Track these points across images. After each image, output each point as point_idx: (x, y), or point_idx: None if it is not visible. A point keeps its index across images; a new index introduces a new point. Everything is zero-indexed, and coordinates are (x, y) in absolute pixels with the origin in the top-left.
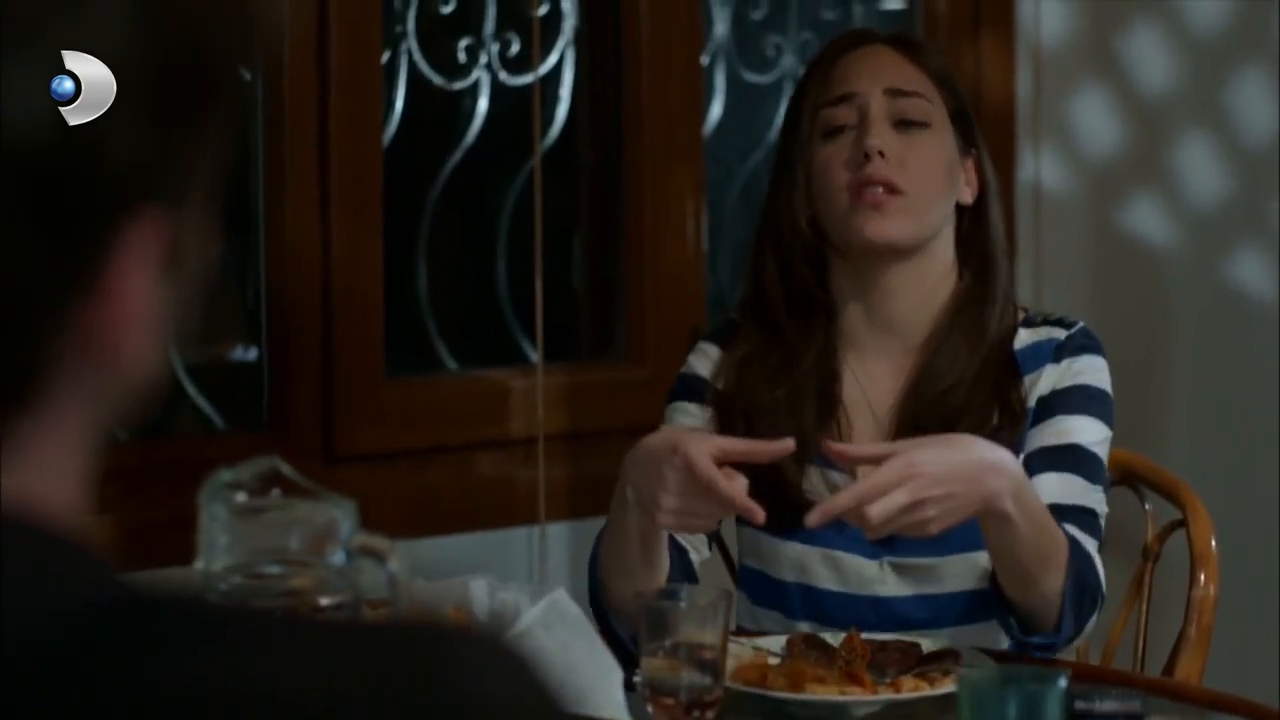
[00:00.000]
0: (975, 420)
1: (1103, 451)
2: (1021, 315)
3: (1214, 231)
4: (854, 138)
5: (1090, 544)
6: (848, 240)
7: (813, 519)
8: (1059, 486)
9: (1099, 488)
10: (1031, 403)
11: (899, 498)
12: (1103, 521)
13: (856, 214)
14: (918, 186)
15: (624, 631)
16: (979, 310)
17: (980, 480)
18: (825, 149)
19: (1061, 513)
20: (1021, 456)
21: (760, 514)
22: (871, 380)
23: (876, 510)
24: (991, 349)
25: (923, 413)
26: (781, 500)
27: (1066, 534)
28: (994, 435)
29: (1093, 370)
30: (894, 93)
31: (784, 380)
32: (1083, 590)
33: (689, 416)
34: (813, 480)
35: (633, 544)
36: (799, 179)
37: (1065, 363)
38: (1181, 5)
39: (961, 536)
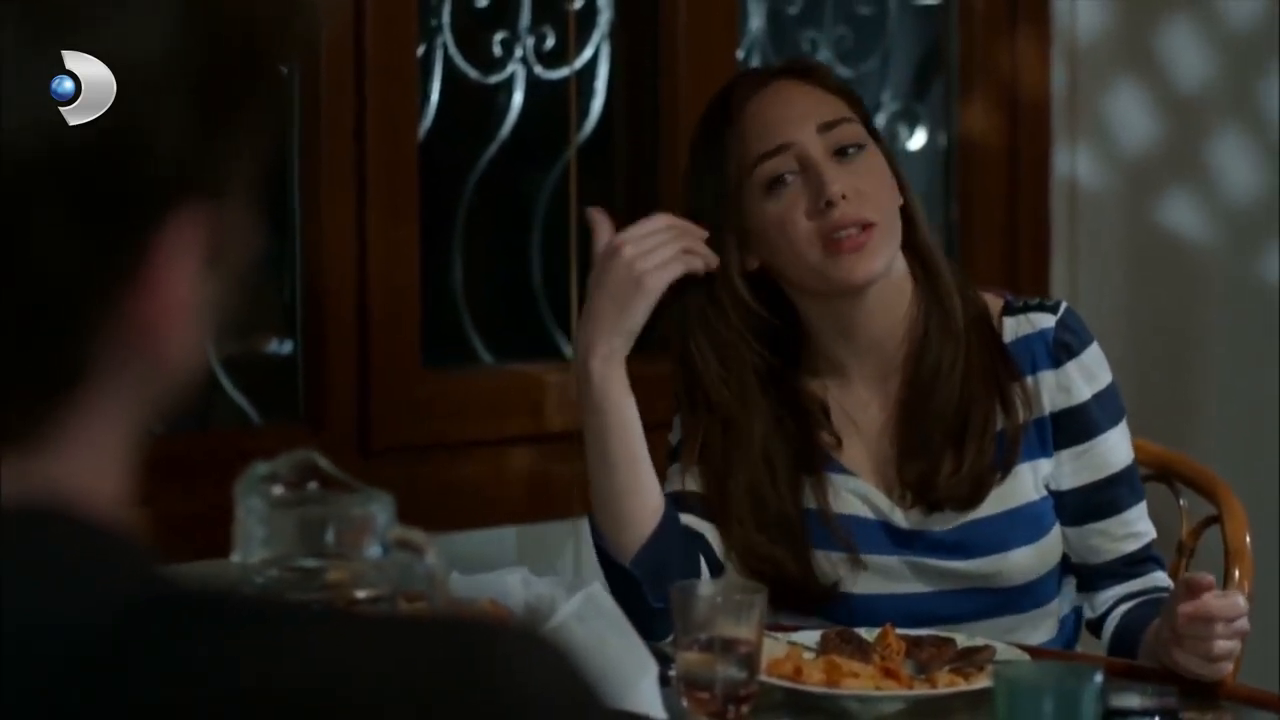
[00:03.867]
0: (978, 424)
1: (1131, 446)
2: (1000, 303)
3: (1250, 226)
4: (801, 185)
5: (1167, 578)
6: (827, 287)
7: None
8: (1128, 538)
9: (1144, 500)
10: (1045, 410)
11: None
12: (1152, 526)
13: (836, 262)
14: (882, 210)
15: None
16: (940, 306)
17: None
18: (771, 205)
19: (1142, 561)
20: (1045, 466)
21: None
22: (859, 406)
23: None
24: (971, 336)
25: (921, 431)
26: (794, 588)
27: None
28: (1000, 439)
29: (1095, 368)
30: (824, 127)
31: (754, 470)
32: None
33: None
34: (820, 563)
35: (611, 450)
36: (728, 243)
37: (1070, 367)
38: (1216, 1)
39: (986, 541)
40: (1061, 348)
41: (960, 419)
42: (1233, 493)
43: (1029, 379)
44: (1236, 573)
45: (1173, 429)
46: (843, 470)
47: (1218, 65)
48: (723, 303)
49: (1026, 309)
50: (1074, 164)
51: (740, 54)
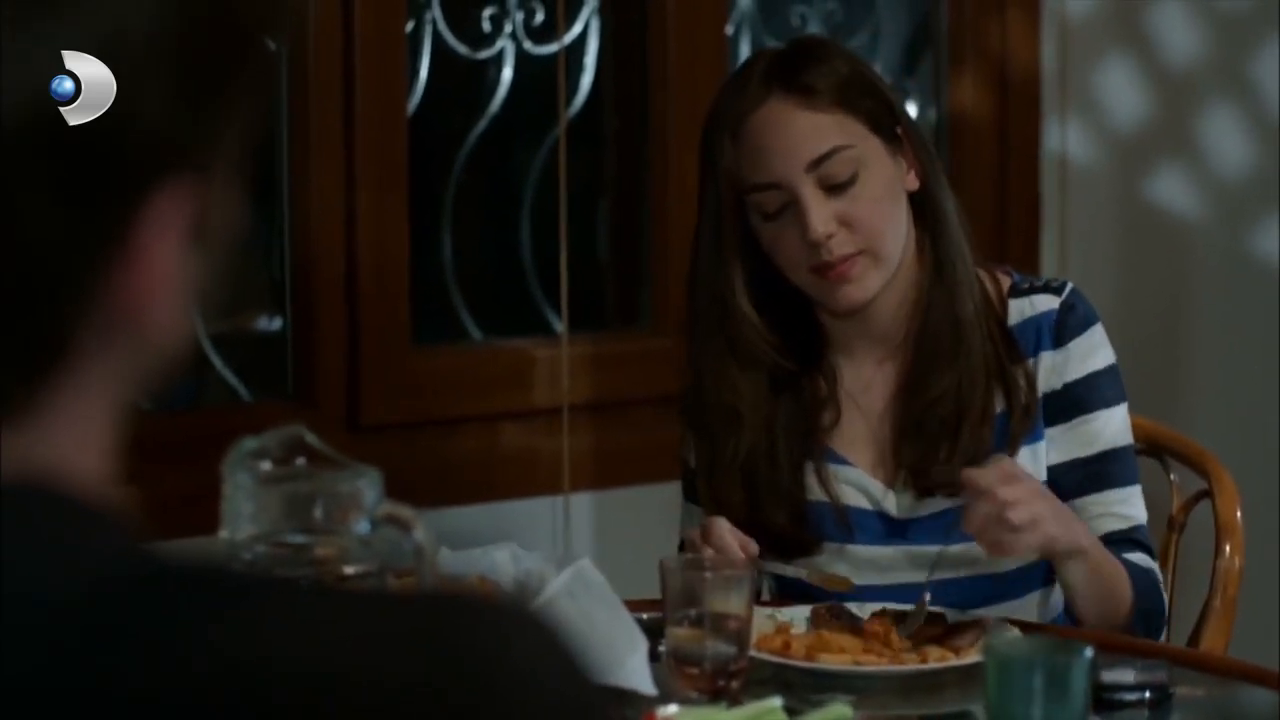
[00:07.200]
0: (976, 412)
1: (1129, 429)
2: (1007, 283)
3: (1240, 202)
4: (794, 216)
5: (1153, 564)
6: (821, 303)
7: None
8: (1106, 516)
9: (1136, 484)
10: (1041, 389)
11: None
12: (1145, 514)
13: (825, 288)
14: (873, 237)
15: None
16: (945, 289)
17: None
18: (769, 227)
19: (1119, 542)
20: (1043, 449)
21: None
22: (863, 386)
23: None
24: (976, 320)
25: (919, 415)
26: (782, 538)
27: (1133, 563)
28: (999, 421)
29: (1095, 345)
30: (814, 164)
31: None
32: (1149, 617)
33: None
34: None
35: None
36: (728, 258)
37: (1071, 346)
38: None
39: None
40: (1063, 328)
41: (958, 406)
42: (1223, 467)
43: (1031, 361)
44: (1228, 548)
45: (1164, 405)
46: (840, 460)
47: (1209, 40)
48: (733, 330)
49: (1032, 290)
50: (1064, 139)
51: (729, 29)
